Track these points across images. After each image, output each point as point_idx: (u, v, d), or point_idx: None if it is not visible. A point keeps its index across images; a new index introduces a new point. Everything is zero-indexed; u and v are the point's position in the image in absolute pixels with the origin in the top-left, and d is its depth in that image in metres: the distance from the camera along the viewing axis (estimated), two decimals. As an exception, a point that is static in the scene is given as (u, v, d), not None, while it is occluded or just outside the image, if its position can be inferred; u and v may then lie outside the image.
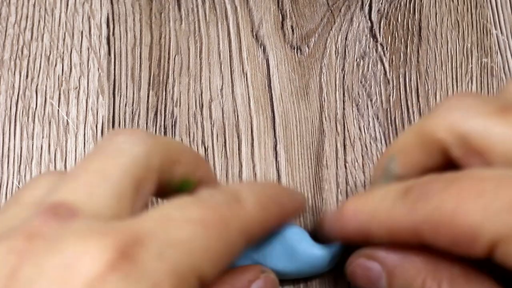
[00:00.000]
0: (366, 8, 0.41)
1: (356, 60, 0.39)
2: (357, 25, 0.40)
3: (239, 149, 0.37)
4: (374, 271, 0.29)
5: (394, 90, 0.38)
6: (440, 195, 0.25)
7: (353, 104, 0.38)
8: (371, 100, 0.38)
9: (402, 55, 0.39)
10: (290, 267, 0.32)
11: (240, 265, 0.33)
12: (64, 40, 0.40)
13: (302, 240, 0.32)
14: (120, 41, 0.40)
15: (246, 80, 0.39)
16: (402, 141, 0.30)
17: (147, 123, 0.38)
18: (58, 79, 0.39)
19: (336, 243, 0.33)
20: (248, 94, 0.38)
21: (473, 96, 0.28)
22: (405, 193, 0.27)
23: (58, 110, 0.38)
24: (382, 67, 0.39)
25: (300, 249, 0.32)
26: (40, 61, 0.39)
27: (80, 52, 0.40)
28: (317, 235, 0.32)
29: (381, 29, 0.40)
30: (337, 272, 0.33)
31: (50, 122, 0.38)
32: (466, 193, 0.25)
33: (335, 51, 0.39)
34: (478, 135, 0.26)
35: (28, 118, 0.38)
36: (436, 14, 0.41)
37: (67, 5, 0.41)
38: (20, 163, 0.37)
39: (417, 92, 0.38)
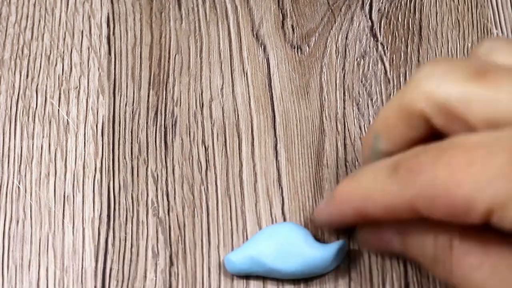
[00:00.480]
0: (367, 8, 0.41)
1: (357, 59, 0.39)
2: (357, 24, 0.40)
3: (239, 149, 0.37)
4: (387, 232, 0.28)
5: (395, 89, 0.38)
6: (430, 168, 0.25)
7: (354, 104, 0.38)
8: (371, 100, 0.38)
9: (402, 54, 0.39)
10: (291, 267, 0.32)
11: (241, 265, 0.33)
12: (64, 39, 0.40)
13: (304, 240, 0.32)
14: (121, 41, 0.40)
15: (247, 79, 0.39)
16: (383, 117, 0.30)
17: (147, 123, 0.38)
18: (58, 78, 0.39)
19: (338, 242, 0.33)
20: (249, 94, 0.38)
21: (445, 61, 0.28)
22: (395, 169, 0.27)
23: (58, 109, 0.38)
24: (383, 67, 0.39)
25: (302, 250, 0.32)
26: (40, 61, 0.39)
27: (81, 52, 0.40)
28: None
29: (382, 29, 0.40)
30: (337, 272, 0.33)
31: (50, 122, 0.38)
32: (457, 163, 0.25)
33: (336, 50, 0.39)
34: (457, 101, 0.26)
35: (28, 117, 0.38)
36: (436, 13, 0.41)
37: (67, 4, 0.41)
38: (21, 163, 0.37)
39: (418, 92, 0.38)
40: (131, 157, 0.37)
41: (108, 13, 0.41)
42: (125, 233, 0.35)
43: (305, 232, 0.33)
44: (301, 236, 0.33)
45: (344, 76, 0.39)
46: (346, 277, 0.34)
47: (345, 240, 0.34)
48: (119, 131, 0.37)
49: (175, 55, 0.39)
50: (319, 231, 0.35)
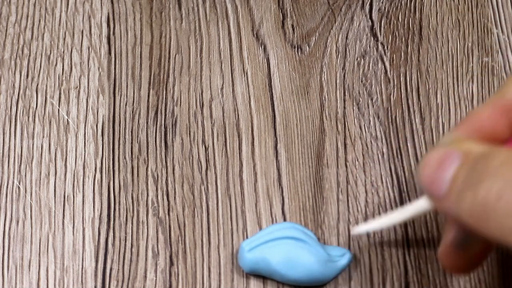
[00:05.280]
0: (367, 7, 0.41)
1: (357, 59, 0.39)
2: (357, 24, 0.40)
3: (239, 148, 0.37)
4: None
5: (395, 89, 0.38)
6: None
7: (354, 103, 0.38)
8: (371, 99, 0.38)
9: (402, 54, 0.39)
10: (295, 276, 0.32)
11: (245, 266, 0.33)
12: (64, 39, 0.40)
13: (314, 252, 0.32)
14: (121, 40, 0.40)
15: (247, 79, 0.39)
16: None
17: (147, 123, 0.37)
18: (59, 78, 0.39)
19: (345, 258, 0.33)
20: (249, 93, 0.38)
21: None
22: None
23: (58, 109, 0.38)
24: (383, 66, 0.39)
25: (309, 264, 0.32)
26: (41, 61, 0.39)
27: (81, 52, 0.40)
28: None
29: (382, 28, 0.40)
30: (339, 279, 0.33)
31: (50, 122, 0.38)
32: None
33: (336, 50, 0.39)
34: None
35: (28, 117, 0.38)
36: (436, 13, 0.41)
37: (68, 4, 0.41)
38: (21, 163, 0.37)
39: (418, 91, 0.38)
40: (131, 157, 0.37)
41: (108, 13, 0.41)
42: (125, 233, 0.35)
43: (310, 239, 0.33)
44: (304, 245, 0.33)
45: (344, 76, 0.39)
46: (346, 277, 0.34)
47: (347, 244, 0.34)
48: (119, 131, 0.37)
49: (175, 55, 0.39)
50: (319, 231, 0.35)
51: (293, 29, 0.40)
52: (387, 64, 0.39)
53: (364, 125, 0.37)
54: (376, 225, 0.30)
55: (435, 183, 0.25)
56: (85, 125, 0.38)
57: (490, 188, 0.22)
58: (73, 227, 0.35)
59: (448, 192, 0.24)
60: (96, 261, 0.34)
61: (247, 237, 0.35)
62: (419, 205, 0.28)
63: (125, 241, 0.35)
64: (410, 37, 0.40)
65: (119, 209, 0.35)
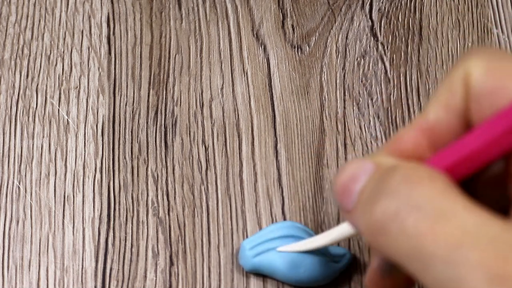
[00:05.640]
0: (367, 7, 0.41)
1: (357, 59, 0.39)
2: (357, 24, 0.40)
3: (239, 148, 0.37)
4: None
5: (395, 89, 0.38)
6: None
7: (354, 103, 0.38)
8: (371, 99, 0.38)
9: (402, 54, 0.39)
10: (294, 275, 0.32)
11: (246, 265, 0.33)
12: (64, 39, 0.40)
13: (315, 253, 0.33)
14: (121, 40, 0.40)
15: (247, 79, 0.39)
16: None
17: (147, 123, 0.37)
18: (59, 78, 0.39)
19: (346, 258, 0.33)
20: (249, 93, 0.38)
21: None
22: None
23: (58, 109, 0.38)
24: (383, 66, 0.39)
25: (305, 260, 0.32)
26: (41, 61, 0.39)
27: (81, 52, 0.40)
28: None
29: (382, 28, 0.40)
30: (339, 279, 0.33)
31: (50, 122, 0.38)
32: None
33: (336, 50, 0.39)
34: None
35: (28, 117, 0.38)
36: (437, 13, 0.41)
37: (68, 4, 0.41)
38: (21, 163, 0.37)
39: (418, 91, 0.38)
40: (131, 157, 0.37)
41: (108, 13, 0.41)
42: (125, 233, 0.35)
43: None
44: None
45: (344, 76, 0.39)
46: (346, 277, 0.34)
47: (347, 244, 0.34)
48: (119, 131, 0.37)
49: (175, 55, 0.39)
50: (319, 231, 0.35)
51: (293, 29, 0.40)
52: (387, 64, 0.39)
53: (364, 125, 0.37)
54: (301, 247, 0.31)
55: (346, 195, 0.24)
56: (85, 125, 0.38)
57: (387, 207, 0.22)
58: (73, 227, 0.35)
59: (355, 205, 0.24)
60: (96, 261, 0.34)
61: (247, 237, 0.35)
62: (343, 229, 0.28)
63: (125, 241, 0.35)
64: (410, 37, 0.40)
65: (119, 209, 0.35)
